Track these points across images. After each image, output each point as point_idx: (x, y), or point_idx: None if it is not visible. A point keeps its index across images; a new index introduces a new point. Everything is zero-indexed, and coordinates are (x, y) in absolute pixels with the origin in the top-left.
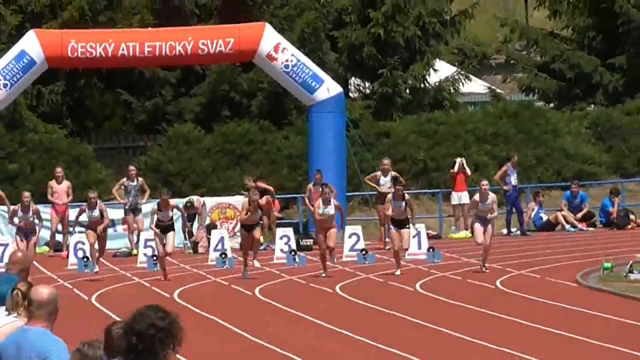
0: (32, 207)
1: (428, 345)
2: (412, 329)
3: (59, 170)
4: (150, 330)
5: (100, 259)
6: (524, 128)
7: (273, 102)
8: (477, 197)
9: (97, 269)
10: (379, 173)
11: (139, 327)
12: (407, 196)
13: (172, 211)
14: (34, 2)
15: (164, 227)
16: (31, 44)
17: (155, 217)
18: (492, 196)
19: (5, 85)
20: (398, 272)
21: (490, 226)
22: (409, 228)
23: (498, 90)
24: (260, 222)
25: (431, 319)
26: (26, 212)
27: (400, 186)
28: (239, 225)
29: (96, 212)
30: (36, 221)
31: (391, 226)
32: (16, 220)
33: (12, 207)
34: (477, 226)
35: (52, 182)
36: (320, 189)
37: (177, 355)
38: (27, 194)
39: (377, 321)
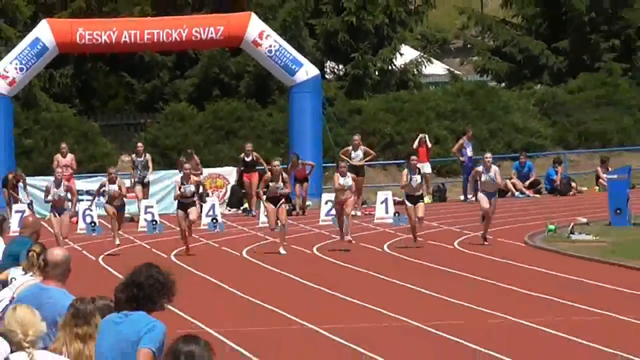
0: (65, 183)
1: (392, 299)
2: (379, 284)
3: (63, 146)
4: (149, 281)
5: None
6: (479, 105)
7: (258, 83)
8: (480, 168)
9: (118, 242)
10: (350, 147)
11: (139, 279)
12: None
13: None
14: None
15: (187, 204)
16: (44, 32)
17: (179, 191)
18: (494, 168)
19: (21, 69)
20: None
21: (494, 199)
22: (422, 201)
23: (456, 72)
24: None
25: (396, 276)
26: (58, 187)
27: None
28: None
29: (115, 187)
30: (69, 196)
31: (406, 201)
32: (49, 197)
33: (46, 185)
34: (482, 195)
35: (58, 156)
36: (339, 164)
37: (170, 306)
38: (59, 170)
39: (350, 278)
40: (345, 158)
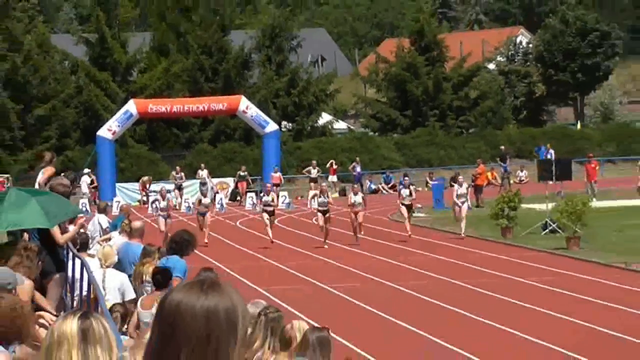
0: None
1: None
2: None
3: (145, 179)
4: (181, 239)
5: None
6: (363, 145)
7: (246, 133)
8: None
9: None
10: (310, 167)
11: (174, 238)
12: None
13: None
14: (132, 84)
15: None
16: (131, 106)
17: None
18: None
19: (118, 126)
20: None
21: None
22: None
23: (351, 127)
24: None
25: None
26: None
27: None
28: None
29: (207, 200)
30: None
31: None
32: (163, 202)
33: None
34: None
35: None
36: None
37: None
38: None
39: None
40: (306, 172)
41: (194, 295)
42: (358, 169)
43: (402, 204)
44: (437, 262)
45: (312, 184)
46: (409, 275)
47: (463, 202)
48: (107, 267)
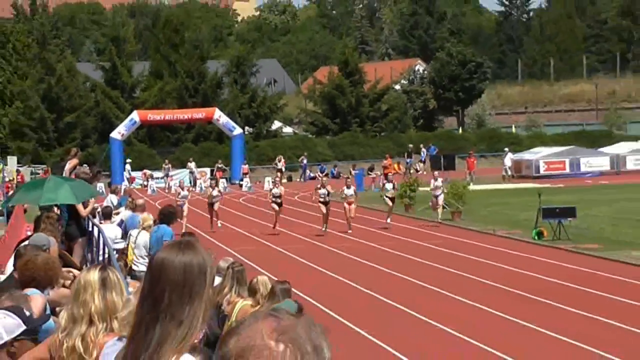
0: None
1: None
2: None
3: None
4: (167, 212)
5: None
6: (305, 144)
7: (219, 135)
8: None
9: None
10: (277, 160)
11: (164, 211)
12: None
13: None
14: (135, 99)
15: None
16: (135, 115)
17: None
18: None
19: (126, 131)
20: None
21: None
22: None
23: (296, 130)
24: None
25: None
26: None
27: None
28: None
29: (215, 192)
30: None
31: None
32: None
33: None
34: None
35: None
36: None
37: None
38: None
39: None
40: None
41: (174, 253)
42: (305, 162)
43: (386, 196)
44: (363, 231)
45: (278, 173)
46: (335, 241)
47: (438, 195)
48: (143, 229)
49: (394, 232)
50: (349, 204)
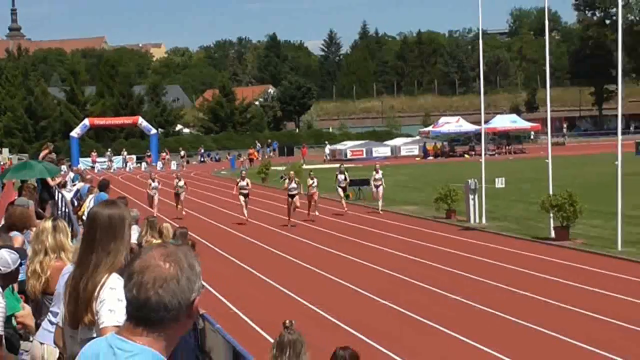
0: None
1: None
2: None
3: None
4: (103, 183)
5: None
6: (198, 141)
7: (142, 133)
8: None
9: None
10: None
11: (100, 183)
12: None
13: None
14: (87, 111)
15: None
16: (86, 121)
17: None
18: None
19: (82, 131)
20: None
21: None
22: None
23: (192, 131)
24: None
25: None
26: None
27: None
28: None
29: (181, 182)
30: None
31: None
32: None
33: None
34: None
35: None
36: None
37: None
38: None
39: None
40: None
41: (102, 207)
42: (202, 151)
43: (339, 187)
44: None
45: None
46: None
47: (378, 186)
48: (91, 194)
49: (254, 195)
50: (312, 194)
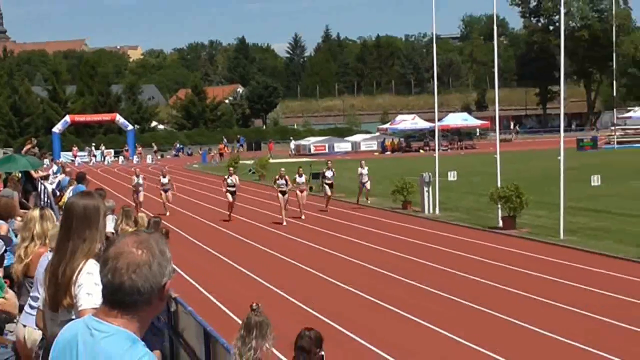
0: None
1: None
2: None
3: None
4: (81, 176)
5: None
6: (172, 136)
7: (120, 129)
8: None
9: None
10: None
11: (79, 175)
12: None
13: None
14: (68, 108)
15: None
16: (67, 118)
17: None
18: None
19: (62, 127)
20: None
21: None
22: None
23: (167, 127)
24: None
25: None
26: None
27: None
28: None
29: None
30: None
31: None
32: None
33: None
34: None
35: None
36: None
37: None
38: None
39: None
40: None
41: (78, 198)
42: (178, 146)
43: (326, 184)
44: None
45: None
46: (211, 200)
47: (365, 182)
48: (70, 186)
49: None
50: (301, 191)
